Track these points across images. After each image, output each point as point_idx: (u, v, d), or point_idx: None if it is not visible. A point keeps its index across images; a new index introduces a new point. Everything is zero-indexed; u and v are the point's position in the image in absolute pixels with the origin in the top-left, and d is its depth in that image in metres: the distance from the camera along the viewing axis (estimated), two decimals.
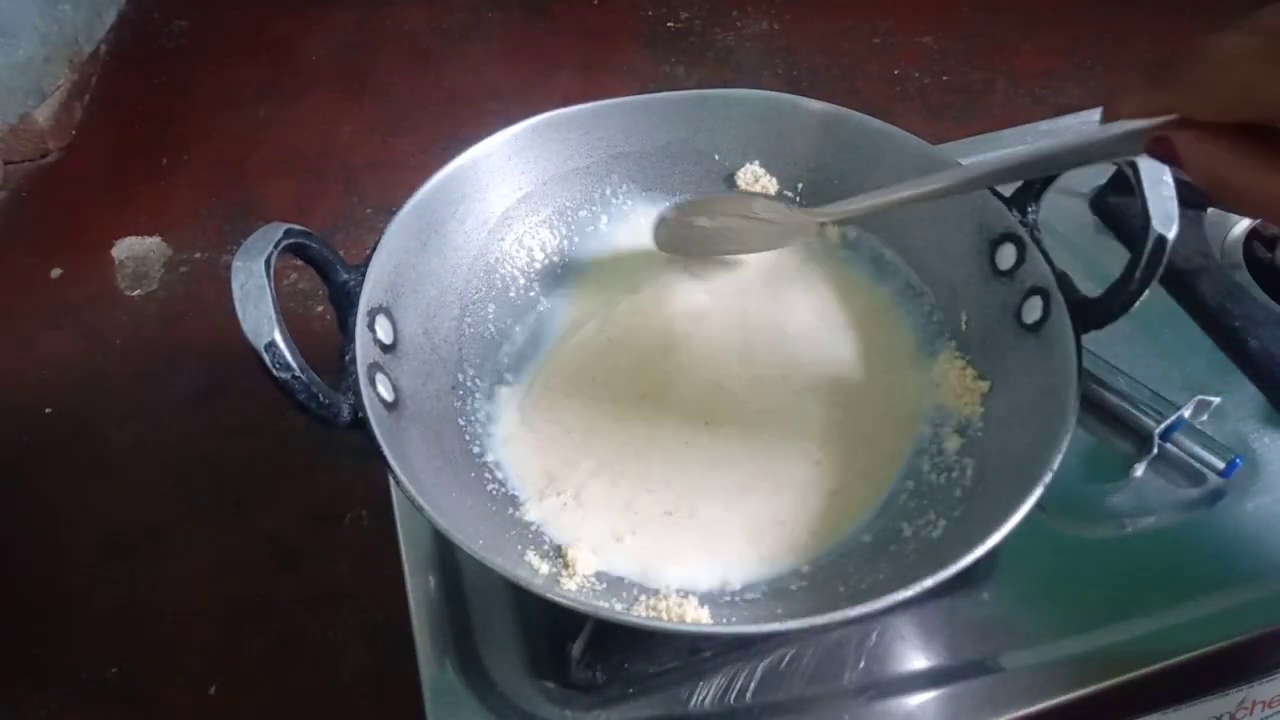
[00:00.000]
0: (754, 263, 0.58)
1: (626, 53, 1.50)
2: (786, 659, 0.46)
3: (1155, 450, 0.52)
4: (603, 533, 0.47)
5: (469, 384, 0.52)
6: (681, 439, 0.50)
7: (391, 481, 0.40)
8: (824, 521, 0.47)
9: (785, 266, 0.58)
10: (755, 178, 0.59)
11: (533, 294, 0.57)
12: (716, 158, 0.59)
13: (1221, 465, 0.51)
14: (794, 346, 0.54)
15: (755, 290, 0.57)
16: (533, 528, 0.47)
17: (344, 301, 0.45)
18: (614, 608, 0.42)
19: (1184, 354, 0.57)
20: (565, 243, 0.58)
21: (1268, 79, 0.27)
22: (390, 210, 0.49)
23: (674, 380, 0.53)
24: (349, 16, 1.59)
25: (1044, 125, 0.74)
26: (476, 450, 0.50)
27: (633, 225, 0.59)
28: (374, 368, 0.44)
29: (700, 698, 0.45)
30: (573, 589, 0.43)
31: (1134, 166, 0.43)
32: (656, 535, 0.47)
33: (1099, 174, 0.66)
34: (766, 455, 0.50)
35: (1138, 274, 0.42)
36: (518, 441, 0.51)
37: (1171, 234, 0.42)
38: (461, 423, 0.50)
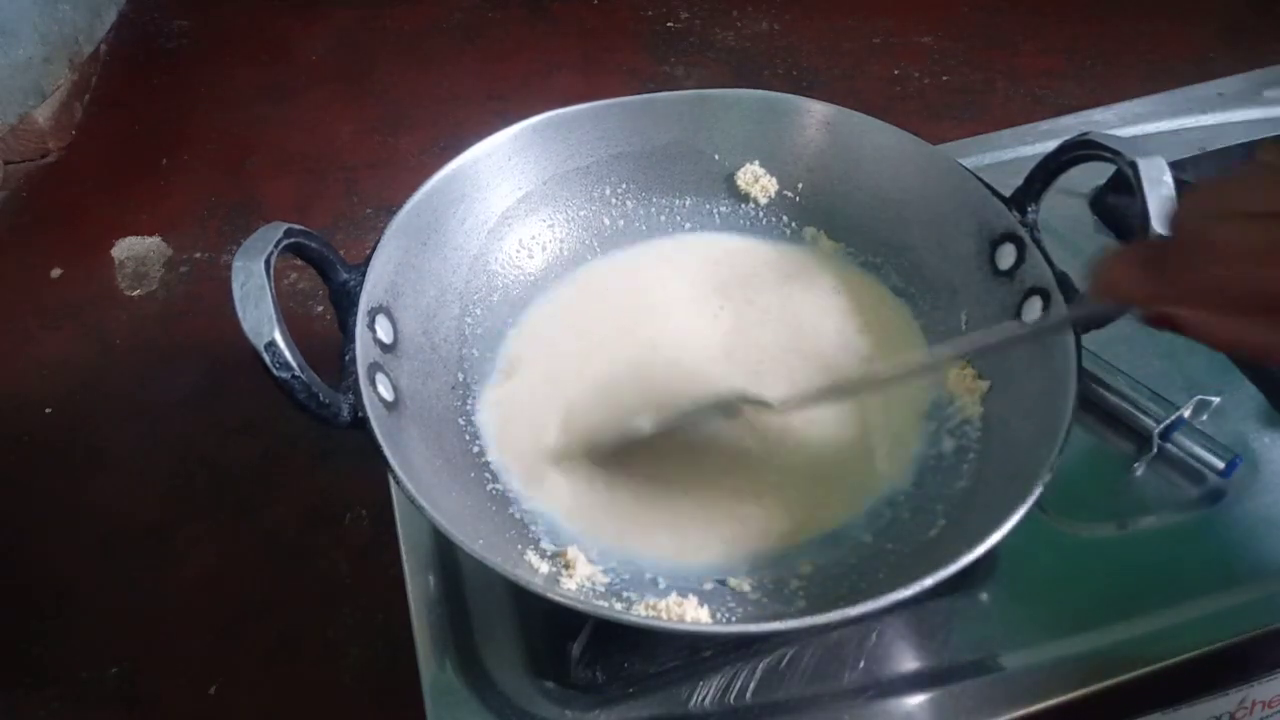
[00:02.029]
0: (758, 267, 0.58)
1: (626, 53, 1.50)
2: (786, 659, 0.46)
3: (1155, 450, 0.52)
4: (609, 529, 0.47)
5: (469, 384, 0.52)
6: (682, 436, 0.50)
7: (391, 481, 0.40)
8: (828, 522, 0.47)
9: (790, 269, 0.58)
10: (755, 178, 0.59)
11: (534, 293, 0.57)
12: (716, 158, 0.59)
13: (1221, 465, 0.51)
14: (797, 346, 0.54)
15: (762, 291, 0.57)
16: (531, 524, 0.47)
17: (344, 301, 0.45)
18: (614, 607, 0.42)
19: (1184, 354, 0.57)
20: (565, 243, 0.58)
21: (1274, 275, 0.27)
22: (390, 210, 0.49)
23: (676, 378, 0.53)
24: (349, 16, 1.59)
25: (1044, 125, 0.74)
26: (476, 450, 0.50)
27: (632, 226, 0.60)
28: (374, 368, 0.44)
29: (700, 697, 0.45)
30: (572, 589, 0.43)
31: (1134, 166, 0.43)
32: (654, 522, 0.47)
33: (1099, 174, 0.66)
34: (768, 451, 0.50)
35: None
36: (516, 436, 0.51)
37: (1171, 234, 0.42)
38: (461, 423, 0.50)
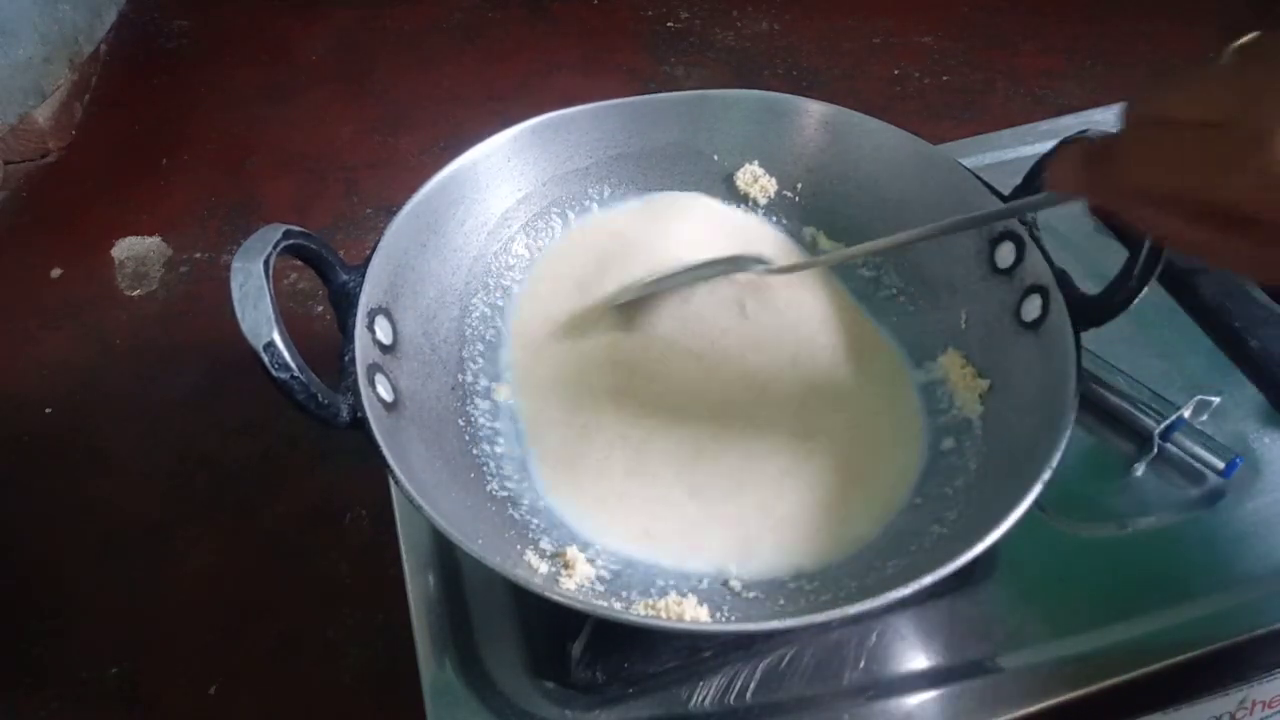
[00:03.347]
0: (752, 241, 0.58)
1: (626, 53, 1.50)
2: (786, 659, 0.46)
3: (1155, 450, 0.52)
4: (608, 530, 0.47)
5: (469, 384, 0.52)
6: (683, 441, 0.50)
7: (391, 481, 0.40)
8: (827, 521, 0.47)
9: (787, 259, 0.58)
10: (755, 178, 0.59)
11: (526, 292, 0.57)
12: (716, 158, 0.59)
13: (1221, 465, 0.51)
14: (798, 349, 0.54)
15: (759, 293, 0.57)
16: (534, 522, 0.47)
17: (343, 302, 0.45)
18: (613, 607, 0.42)
19: (1184, 354, 0.57)
20: (565, 243, 0.58)
21: (1199, 184, 0.28)
22: (390, 210, 0.49)
23: (676, 381, 0.53)
24: (349, 16, 1.59)
25: (1044, 125, 0.74)
26: (476, 450, 0.50)
27: (633, 226, 0.59)
28: (373, 368, 0.44)
29: (700, 697, 0.45)
30: (572, 589, 0.43)
31: None
32: (660, 528, 0.47)
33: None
34: (768, 454, 0.50)
35: (1136, 272, 0.42)
36: (525, 442, 0.51)
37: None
38: (461, 423, 0.50)
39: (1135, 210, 0.31)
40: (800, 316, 0.56)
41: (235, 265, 0.39)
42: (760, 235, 0.59)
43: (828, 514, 0.48)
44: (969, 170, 0.52)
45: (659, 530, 0.47)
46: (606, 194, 0.59)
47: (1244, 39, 0.30)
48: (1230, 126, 0.27)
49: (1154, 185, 0.29)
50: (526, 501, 0.48)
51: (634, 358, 0.54)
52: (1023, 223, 0.49)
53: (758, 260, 0.52)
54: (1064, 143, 0.36)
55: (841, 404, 0.52)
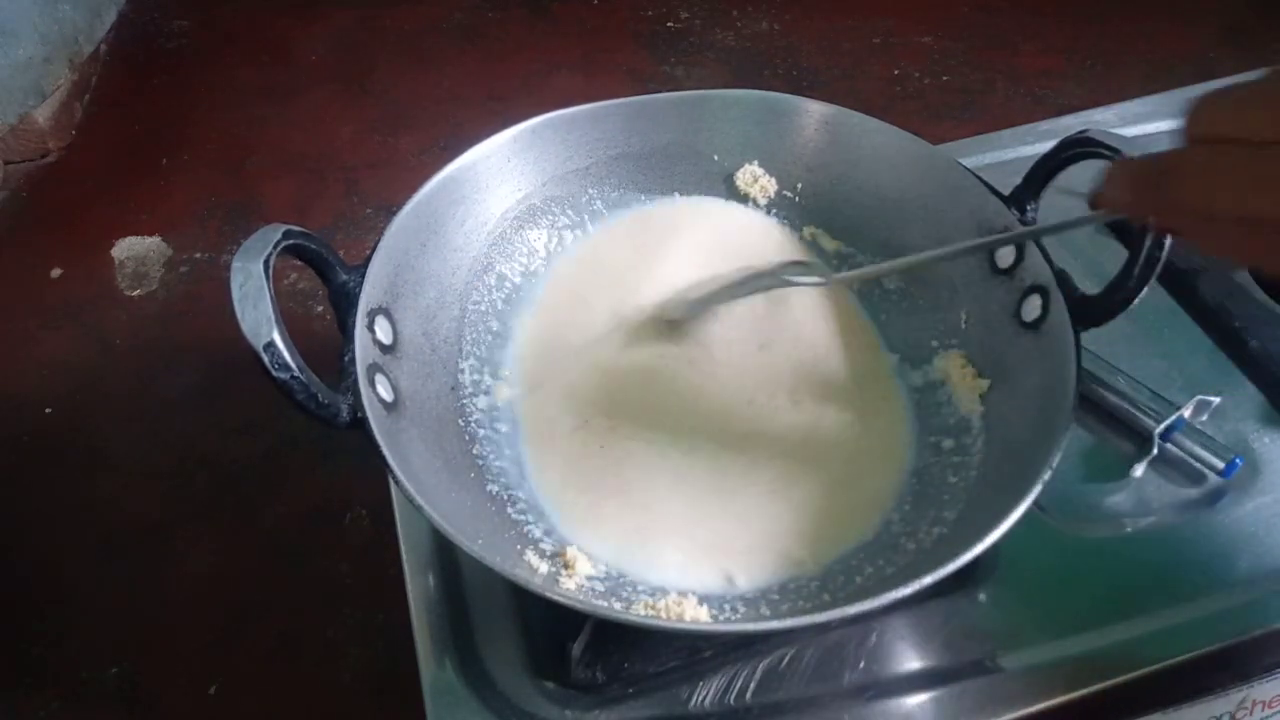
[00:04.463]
0: (754, 247, 0.58)
1: (626, 53, 1.50)
2: (786, 659, 0.46)
3: (1155, 450, 0.52)
4: (608, 530, 0.47)
5: (469, 385, 0.52)
6: (679, 445, 0.50)
7: (391, 481, 0.40)
8: (828, 525, 0.47)
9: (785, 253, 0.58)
10: (755, 178, 0.59)
11: (533, 295, 0.57)
12: (716, 158, 0.59)
13: (1221, 465, 0.51)
14: (798, 353, 0.54)
15: (759, 300, 0.57)
16: (534, 522, 0.47)
17: (343, 302, 0.45)
18: (613, 607, 0.42)
19: (1184, 354, 0.57)
20: (565, 243, 0.58)
21: (1263, 204, 0.28)
22: (390, 210, 0.49)
23: (675, 387, 0.53)
24: (349, 16, 1.59)
25: (1044, 125, 0.74)
26: (476, 450, 0.50)
27: (633, 227, 0.59)
28: (373, 368, 0.44)
29: (700, 698, 0.45)
30: (572, 589, 0.43)
31: None
32: (661, 535, 0.47)
33: (1098, 172, 0.66)
34: (765, 460, 0.50)
35: (1136, 272, 0.42)
36: (524, 443, 0.51)
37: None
38: (461, 423, 0.50)
39: (1204, 231, 0.30)
40: (801, 320, 0.56)
41: (235, 265, 0.39)
42: (769, 238, 0.59)
43: (831, 519, 0.47)
44: (969, 170, 0.52)
45: (654, 535, 0.47)
46: (614, 197, 0.59)
47: None
48: None
49: (1227, 206, 0.29)
50: (526, 502, 0.48)
51: (636, 365, 0.54)
52: (1022, 222, 0.49)
53: (804, 267, 0.50)
54: (1116, 162, 0.34)
55: (841, 407, 0.52)
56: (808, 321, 0.56)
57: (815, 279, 0.50)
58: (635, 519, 0.48)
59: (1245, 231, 0.29)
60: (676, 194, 0.60)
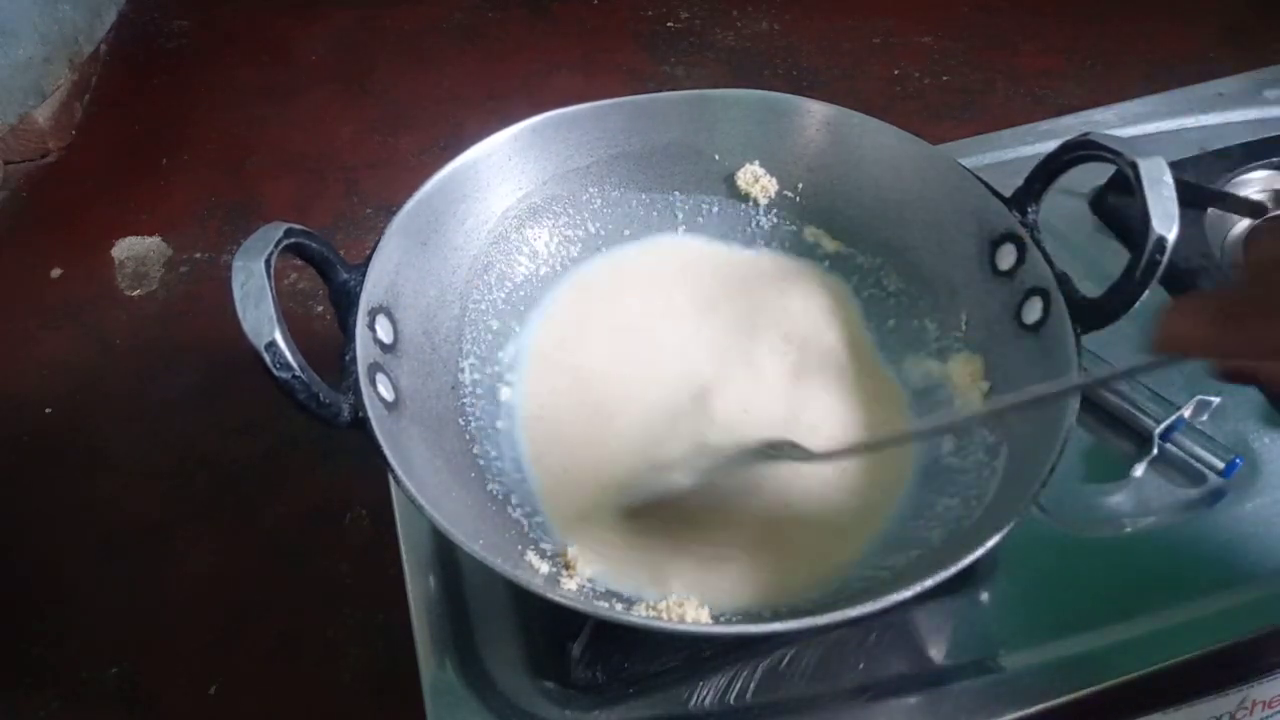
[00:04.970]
0: (752, 275, 0.58)
1: (626, 52, 1.50)
2: (786, 659, 0.46)
3: (1155, 450, 0.52)
4: (608, 546, 0.47)
5: (469, 384, 0.52)
6: (685, 452, 0.50)
7: (391, 481, 0.40)
8: (831, 535, 0.47)
9: (785, 275, 0.58)
10: (755, 178, 0.59)
11: (533, 293, 0.57)
12: (716, 158, 0.59)
13: (1221, 465, 0.51)
14: (797, 356, 0.54)
15: (758, 302, 0.57)
16: (533, 523, 0.47)
17: (344, 301, 0.45)
18: (614, 608, 0.42)
19: None
20: (565, 243, 0.58)
21: None
22: (390, 210, 0.49)
23: (674, 390, 0.53)
24: (349, 16, 1.59)
25: (1044, 125, 0.73)
26: (476, 450, 0.50)
27: (632, 226, 0.60)
28: (374, 368, 0.44)
29: (700, 698, 0.45)
30: (572, 589, 0.43)
31: (1135, 167, 0.43)
32: (661, 552, 0.47)
33: (1099, 174, 0.66)
34: (772, 475, 0.49)
35: (1138, 274, 0.42)
36: (523, 445, 0.51)
37: (1172, 234, 0.42)
38: (461, 423, 0.50)
39: None
40: (801, 323, 0.56)
41: (236, 264, 0.39)
42: (760, 267, 0.59)
43: (823, 524, 0.47)
44: (969, 170, 0.52)
45: (664, 548, 0.47)
46: (614, 196, 0.59)
47: None
48: None
49: None
50: (526, 503, 0.48)
51: (639, 375, 0.54)
52: (1023, 224, 0.49)
53: (794, 447, 0.48)
54: (1180, 300, 0.31)
55: (835, 411, 0.52)
56: (807, 324, 0.56)
57: (804, 455, 0.47)
58: (641, 532, 0.47)
59: None
60: (676, 192, 0.60)
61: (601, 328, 0.56)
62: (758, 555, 0.46)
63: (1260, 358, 0.29)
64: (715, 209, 0.60)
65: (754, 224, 0.60)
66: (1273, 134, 0.70)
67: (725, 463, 0.48)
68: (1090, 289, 0.46)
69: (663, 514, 0.47)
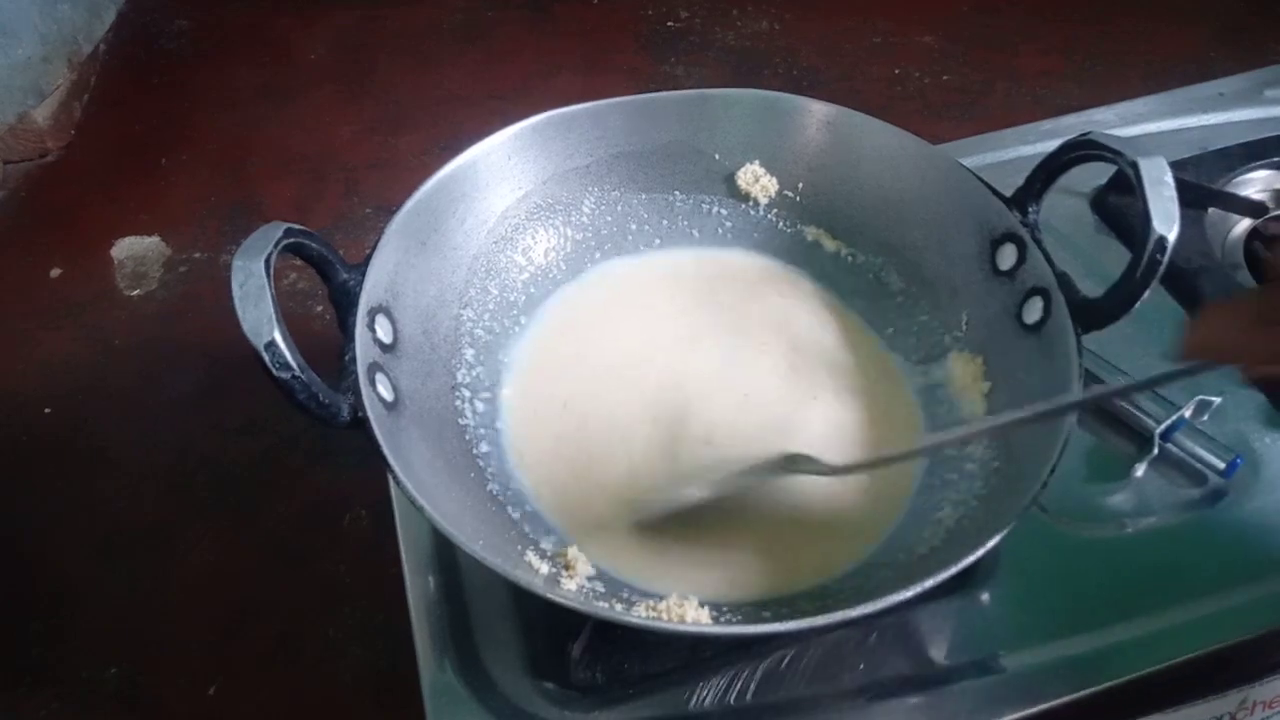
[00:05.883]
0: (752, 274, 0.58)
1: (626, 53, 1.50)
2: (786, 659, 0.46)
3: (1155, 450, 0.52)
4: (607, 538, 0.47)
5: (469, 384, 0.52)
6: (685, 453, 0.50)
7: (391, 481, 0.40)
8: (835, 537, 0.47)
9: (786, 275, 0.58)
10: (755, 178, 0.59)
11: (533, 293, 0.57)
12: (717, 157, 0.59)
13: (1222, 465, 0.51)
14: (799, 358, 0.54)
15: (759, 301, 0.57)
16: (533, 523, 0.47)
17: (344, 301, 0.45)
18: (614, 608, 0.42)
19: None
20: (565, 242, 0.58)
21: None
22: (390, 210, 0.49)
23: (675, 395, 0.53)
24: (349, 16, 1.59)
25: (1044, 125, 0.74)
26: (476, 450, 0.50)
27: (632, 226, 0.60)
28: (374, 367, 0.44)
29: (700, 698, 0.45)
30: (572, 589, 0.43)
31: (1135, 167, 0.43)
32: (662, 553, 0.47)
33: (1099, 174, 0.66)
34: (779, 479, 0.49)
35: (1138, 274, 0.42)
36: (522, 445, 0.51)
37: (1172, 234, 0.42)
38: (461, 423, 0.50)
39: None
40: (802, 325, 0.56)
41: (236, 264, 0.39)
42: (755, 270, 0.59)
43: (828, 528, 0.47)
44: (969, 170, 0.52)
45: (649, 550, 0.47)
46: (614, 196, 0.59)
47: None
48: None
49: None
50: (526, 503, 0.48)
51: (639, 378, 0.54)
52: (1024, 224, 0.49)
53: (811, 460, 0.47)
54: (1211, 307, 0.31)
55: (838, 414, 0.52)
56: (808, 324, 0.56)
57: (821, 468, 0.47)
58: (641, 525, 0.47)
59: None
60: (676, 192, 0.60)
61: (602, 327, 0.56)
62: (760, 557, 0.46)
63: None
64: (715, 209, 0.60)
65: (754, 224, 0.60)
66: (1273, 134, 0.70)
67: (742, 477, 0.48)
68: (1091, 289, 0.46)
69: (667, 519, 0.47)
